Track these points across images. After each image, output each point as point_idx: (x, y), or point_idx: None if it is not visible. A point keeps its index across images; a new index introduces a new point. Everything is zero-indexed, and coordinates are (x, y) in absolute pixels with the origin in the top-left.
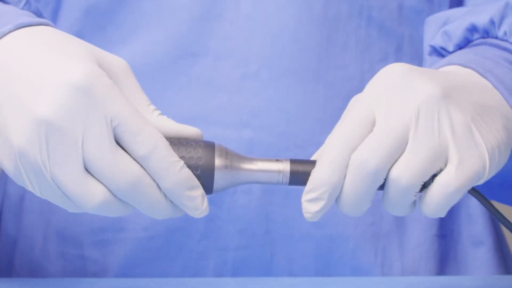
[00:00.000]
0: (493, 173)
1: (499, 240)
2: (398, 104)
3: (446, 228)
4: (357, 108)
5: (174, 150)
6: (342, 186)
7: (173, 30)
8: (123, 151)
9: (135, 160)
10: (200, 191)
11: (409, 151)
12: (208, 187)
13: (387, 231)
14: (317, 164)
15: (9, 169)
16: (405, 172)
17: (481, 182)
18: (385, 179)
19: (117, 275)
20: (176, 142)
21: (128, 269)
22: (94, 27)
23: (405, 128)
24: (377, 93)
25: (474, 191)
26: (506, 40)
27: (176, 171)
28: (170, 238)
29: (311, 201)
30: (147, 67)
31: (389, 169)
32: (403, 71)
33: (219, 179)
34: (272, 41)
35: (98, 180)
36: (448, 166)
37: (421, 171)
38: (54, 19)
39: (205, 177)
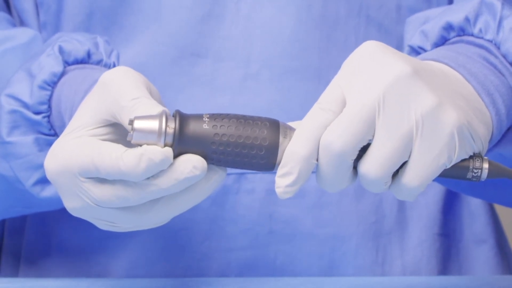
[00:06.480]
0: (461, 158)
1: (501, 238)
2: (365, 85)
3: (448, 227)
4: (329, 88)
5: (240, 130)
6: (318, 163)
7: (173, 31)
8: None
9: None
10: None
11: (375, 144)
12: (270, 166)
13: (389, 230)
14: (291, 141)
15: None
16: (371, 169)
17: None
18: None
19: (120, 276)
20: (242, 120)
21: (131, 270)
22: (98, 29)
23: (371, 110)
24: (348, 72)
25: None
26: (482, 38)
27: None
28: (173, 239)
29: (282, 175)
30: (148, 67)
31: (359, 160)
32: (374, 49)
33: (281, 157)
34: (273, 41)
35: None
36: (411, 161)
37: (388, 165)
38: (56, 23)
39: (269, 158)
